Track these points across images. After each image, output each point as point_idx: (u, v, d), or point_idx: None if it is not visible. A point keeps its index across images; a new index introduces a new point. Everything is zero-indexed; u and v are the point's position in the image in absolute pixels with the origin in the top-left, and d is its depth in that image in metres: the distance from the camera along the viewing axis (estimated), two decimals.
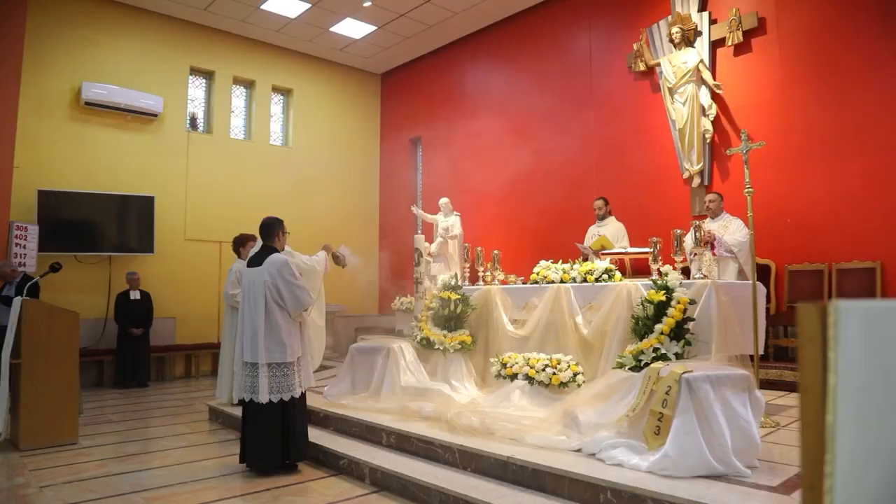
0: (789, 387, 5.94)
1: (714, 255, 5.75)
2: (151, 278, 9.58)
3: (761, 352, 4.80)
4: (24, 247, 8.15)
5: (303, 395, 4.55)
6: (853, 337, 0.64)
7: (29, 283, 6.47)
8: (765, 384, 5.58)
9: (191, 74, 10.59)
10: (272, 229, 4.62)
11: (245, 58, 11.08)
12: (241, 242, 6.55)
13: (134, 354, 8.89)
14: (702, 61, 7.56)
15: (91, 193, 9.17)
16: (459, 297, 5.95)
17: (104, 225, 9.29)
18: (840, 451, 0.63)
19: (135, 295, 9.08)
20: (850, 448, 0.63)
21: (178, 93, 10.32)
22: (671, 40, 7.80)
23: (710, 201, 6.46)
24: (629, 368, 4.21)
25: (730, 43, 7.42)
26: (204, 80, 10.91)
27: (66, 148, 9.15)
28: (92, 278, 9.26)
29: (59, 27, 9.16)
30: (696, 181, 7.64)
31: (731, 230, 6.16)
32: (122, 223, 9.47)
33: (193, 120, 10.64)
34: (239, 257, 6.50)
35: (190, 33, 10.43)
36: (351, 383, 5.93)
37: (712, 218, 6.40)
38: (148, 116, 9.78)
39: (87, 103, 9.17)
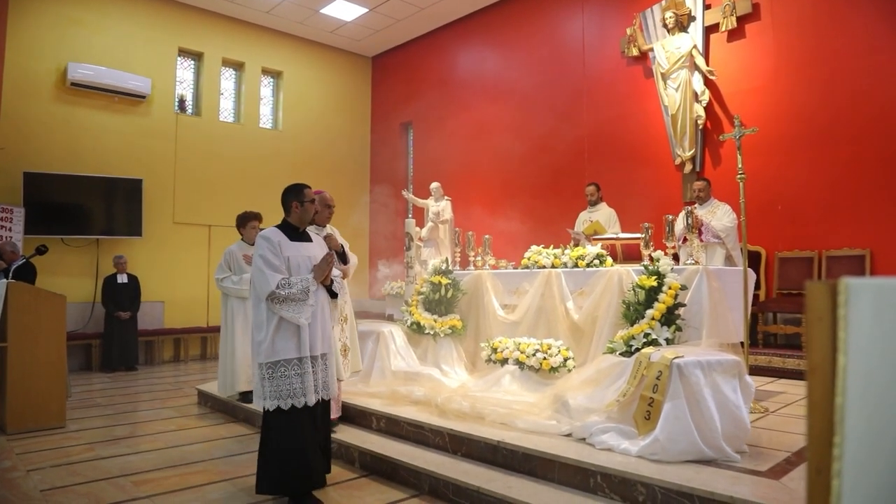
0: (778, 373, 5.97)
1: (702, 240, 5.75)
2: (139, 262, 9.50)
3: (751, 338, 4.82)
4: (10, 229, 8.06)
5: (281, 413, 3.48)
6: (864, 316, 0.62)
7: (18, 264, 6.41)
8: (754, 370, 5.61)
9: (179, 56, 10.45)
10: (283, 199, 3.87)
11: (234, 39, 10.94)
12: (242, 222, 6.02)
13: (122, 338, 8.83)
14: (695, 47, 7.53)
15: (78, 176, 9.06)
16: (450, 281, 5.93)
17: (91, 208, 9.19)
18: (849, 433, 0.61)
19: (122, 278, 9.00)
20: (860, 430, 0.61)
21: (167, 74, 10.18)
22: (665, 25, 7.76)
23: (700, 189, 6.43)
24: (620, 353, 4.21)
25: (723, 28, 7.39)
26: (193, 62, 10.76)
27: (52, 129, 9.02)
28: (79, 261, 9.17)
29: (44, 6, 8.99)
30: (688, 167, 7.64)
31: (718, 215, 6.15)
32: (110, 206, 9.38)
33: (182, 102, 10.51)
34: (242, 239, 6.05)
35: (178, 14, 10.27)
36: None
37: (700, 204, 6.39)
38: (136, 98, 9.64)
39: (73, 84, 9.03)
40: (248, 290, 5.70)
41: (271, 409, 3.47)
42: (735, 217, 5.95)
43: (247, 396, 5.70)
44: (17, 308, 5.18)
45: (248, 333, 5.61)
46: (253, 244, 5.84)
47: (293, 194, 3.83)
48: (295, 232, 3.78)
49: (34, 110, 8.89)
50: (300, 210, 3.80)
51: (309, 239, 3.85)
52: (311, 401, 3.53)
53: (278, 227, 3.77)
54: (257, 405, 3.59)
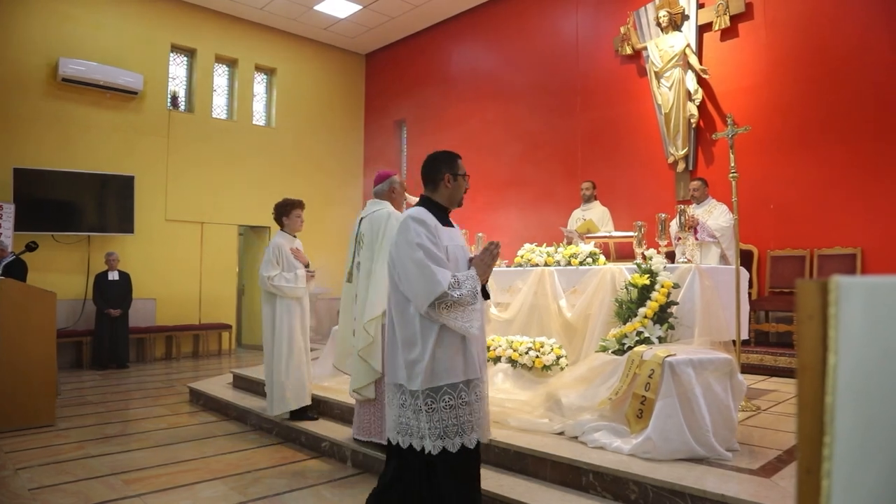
0: (770, 371, 5.99)
1: (696, 239, 5.76)
2: (131, 259, 9.45)
3: (744, 336, 4.83)
4: (0, 226, 8.00)
5: (447, 455, 2.53)
6: (855, 314, 0.61)
7: (7, 261, 6.37)
8: (746, 368, 5.63)
9: (172, 52, 10.39)
10: (430, 170, 2.85)
11: (228, 36, 10.88)
12: (284, 210, 5.18)
13: (113, 335, 8.78)
14: (688, 45, 7.53)
15: (69, 172, 8.99)
16: None
17: (83, 204, 9.13)
18: (839, 433, 0.60)
19: (113, 275, 8.95)
20: (850, 430, 0.60)
21: (159, 70, 10.12)
22: (658, 24, 7.77)
23: (695, 189, 6.44)
24: (612, 352, 4.21)
25: (717, 27, 7.39)
26: (185, 58, 10.71)
27: (42, 125, 8.95)
28: (70, 258, 9.12)
29: (35, 0, 8.92)
30: (681, 166, 7.65)
31: (714, 215, 6.16)
32: (102, 203, 9.32)
33: (175, 98, 10.46)
34: (283, 229, 5.24)
35: (171, 9, 10.21)
36: (333, 366, 5.89)
37: (697, 203, 6.40)
38: (128, 94, 9.58)
39: (64, 80, 8.97)
40: (303, 290, 5.11)
41: (436, 452, 2.50)
42: (731, 217, 5.96)
43: (301, 415, 5.02)
44: (6, 305, 5.14)
45: (295, 340, 5.04)
46: (295, 235, 5.25)
47: (446, 164, 2.80)
48: (445, 215, 2.81)
49: (24, 105, 8.82)
50: (452, 185, 2.80)
51: (453, 224, 2.87)
52: (485, 437, 2.62)
53: (423, 206, 2.78)
54: (393, 441, 2.67)
